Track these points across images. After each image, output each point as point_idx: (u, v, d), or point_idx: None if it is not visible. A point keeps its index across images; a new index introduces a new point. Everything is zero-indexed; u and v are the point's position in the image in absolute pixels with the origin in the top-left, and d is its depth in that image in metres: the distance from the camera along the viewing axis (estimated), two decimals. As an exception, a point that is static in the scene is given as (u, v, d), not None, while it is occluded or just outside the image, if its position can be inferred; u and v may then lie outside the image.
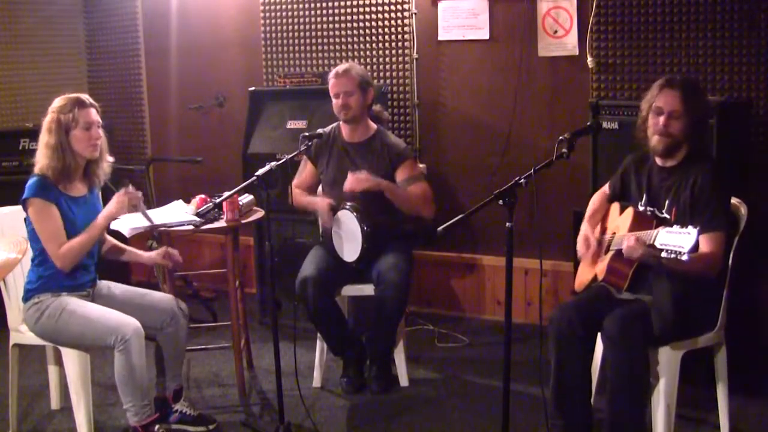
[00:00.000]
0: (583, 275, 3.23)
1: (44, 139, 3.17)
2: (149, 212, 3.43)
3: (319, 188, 3.93)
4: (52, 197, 3.14)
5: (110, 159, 3.34)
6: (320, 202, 3.74)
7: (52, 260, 3.15)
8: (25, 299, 3.22)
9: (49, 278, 3.18)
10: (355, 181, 3.59)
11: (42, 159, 3.15)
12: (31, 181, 3.16)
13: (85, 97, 3.24)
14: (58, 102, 3.21)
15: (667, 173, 3.00)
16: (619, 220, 3.10)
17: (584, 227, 3.21)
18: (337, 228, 3.66)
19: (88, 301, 3.27)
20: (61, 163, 3.14)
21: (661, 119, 2.92)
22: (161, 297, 3.43)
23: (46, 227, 3.12)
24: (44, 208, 3.12)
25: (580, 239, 3.19)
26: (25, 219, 3.25)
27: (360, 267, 3.63)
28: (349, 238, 3.61)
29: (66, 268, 3.15)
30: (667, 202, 2.97)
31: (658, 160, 3.03)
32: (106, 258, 3.46)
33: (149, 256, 3.52)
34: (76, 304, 3.17)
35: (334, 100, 3.75)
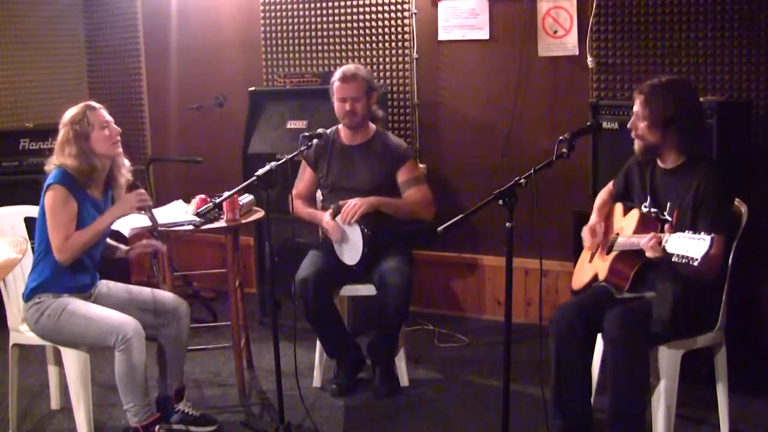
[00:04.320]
0: (582, 274, 3.24)
1: (66, 150, 3.15)
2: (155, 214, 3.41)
3: (318, 192, 3.93)
4: (76, 193, 3.14)
5: (127, 162, 3.35)
6: (325, 216, 3.69)
7: (52, 253, 3.13)
8: (27, 298, 3.21)
9: (51, 278, 3.18)
10: (350, 212, 3.54)
11: (66, 163, 3.14)
12: (57, 170, 3.15)
13: (92, 102, 3.26)
14: (68, 115, 3.21)
15: (668, 175, 3.00)
16: (624, 221, 3.10)
17: (593, 218, 3.22)
18: (340, 236, 3.65)
19: (89, 301, 3.27)
20: (88, 166, 3.15)
21: (631, 123, 3.01)
22: (162, 294, 3.43)
23: (59, 216, 3.10)
24: (65, 198, 3.11)
25: (586, 229, 3.20)
26: (25, 218, 3.25)
27: (361, 269, 3.62)
28: (350, 242, 3.60)
29: (66, 262, 3.13)
30: (668, 204, 2.97)
31: (660, 162, 3.04)
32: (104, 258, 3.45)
33: (127, 250, 3.45)
34: (76, 304, 3.16)
35: (338, 104, 3.72)
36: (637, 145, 3.01)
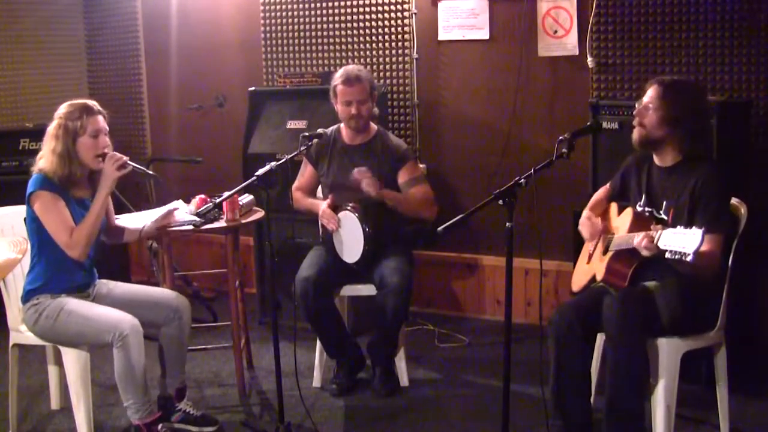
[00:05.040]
0: (581, 275, 3.24)
1: (51, 145, 3.13)
2: (146, 215, 3.41)
3: (318, 190, 3.93)
4: (58, 191, 3.13)
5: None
6: (323, 206, 3.71)
7: (46, 256, 3.14)
8: (24, 300, 3.22)
9: (48, 280, 3.18)
10: (368, 181, 3.53)
11: (46, 164, 3.13)
12: (35, 177, 3.14)
13: (93, 103, 3.21)
14: (64, 108, 3.17)
15: (665, 174, 3.00)
16: (618, 221, 3.11)
17: (585, 213, 3.22)
18: (338, 229, 3.66)
19: (87, 301, 3.27)
20: (66, 171, 3.12)
21: (637, 110, 3.00)
22: (163, 293, 3.44)
23: (54, 218, 3.10)
24: (51, 200, 3.10)
25: (583, 220, 3.20)
26: (24, 219, 3.25)
27: (360, 268, 3.62)
28: (350, 239, 3.60)
29: (81, 256, 3.13)
30: (665, 202, 2.98)
31: (657, 160, 3.04)
32: (108, 243, 3.43)
33: (147, 228, 3.44)
34: (74, 303, 3.16)
35: (342, 107, 3.71)
36: (637, 134, 2.99)
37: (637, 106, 3.03)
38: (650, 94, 2.97)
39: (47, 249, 3.16)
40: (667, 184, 2.99)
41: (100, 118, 3.19)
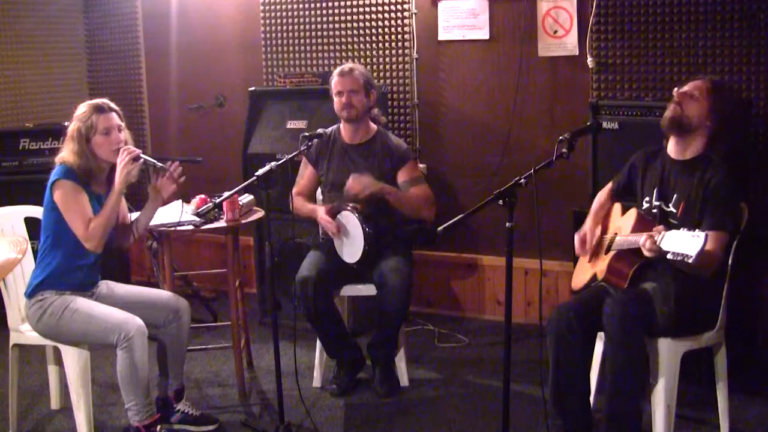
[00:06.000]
0: (582, 274, 3.24)
1: (69, 146, 3.20)
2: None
3: (319, 190, 3.93)
4: (80, 183, 3.16)
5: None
6: (321, 212, 3.71)
7: (57, 249, 3.15)
8: (30, 295, 3.21)
9: (54, 275, 3.19)
10: (358, 184, 3.57)
11: (69, 157, 3.17)
12: (58, 167, 3.18)
13: (105, 101, 3.26)
14: (80, 110, 3.24)
15: (680, 167, 3.01)
16: (621, 221, 3.11)
17: (587, 223, 3.22)
18: (340, 234, 3.66)
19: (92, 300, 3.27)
20: (87, 167, 3.18)
21: (678, 93, 3.00)
22: (163, 294, 3.44)
23: (74, 208, 3.13)
24: (72, 190, 3.14)
25: (577, 236, 3.19)
26: (25, 218, 3.25)
27: (360, 268, 3.62)
28: (351, 239, 3.60)
29: (97, 248, 3.15)
30: (675, 195, 2.98)
31: (674, 153, 3.03)
32: (121, 247, 3.46)
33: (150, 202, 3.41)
34: (79, 302, 3.17)
35: (336, 99, 3.74)
36: (671, 112, 2.98)
37: (678, 89, 3.03)
38: (697, 85, 3.00)
39: (61, 242, 3.18)
40: (680, 178, 2.99)
41: (113, 115, 3.24)
